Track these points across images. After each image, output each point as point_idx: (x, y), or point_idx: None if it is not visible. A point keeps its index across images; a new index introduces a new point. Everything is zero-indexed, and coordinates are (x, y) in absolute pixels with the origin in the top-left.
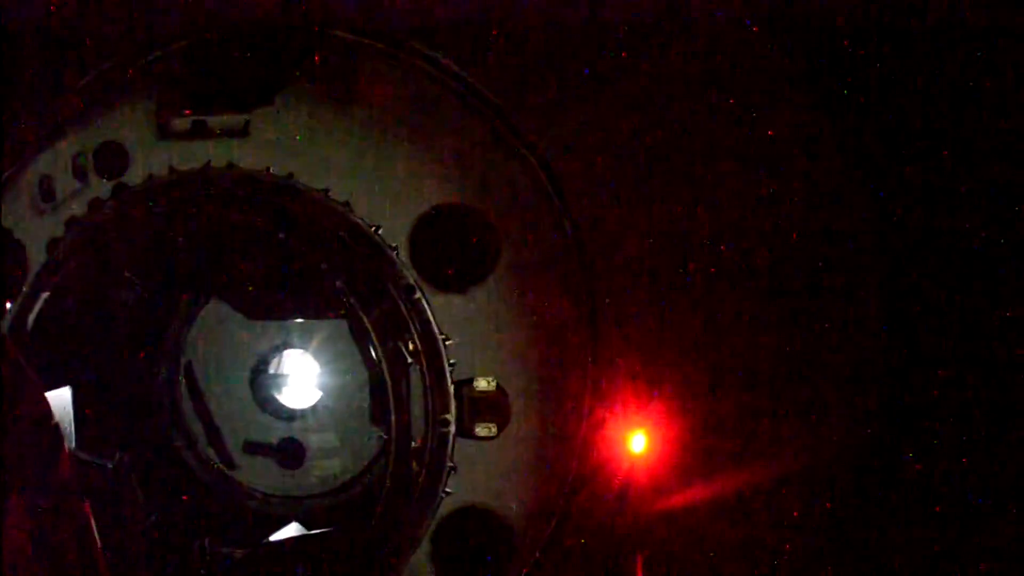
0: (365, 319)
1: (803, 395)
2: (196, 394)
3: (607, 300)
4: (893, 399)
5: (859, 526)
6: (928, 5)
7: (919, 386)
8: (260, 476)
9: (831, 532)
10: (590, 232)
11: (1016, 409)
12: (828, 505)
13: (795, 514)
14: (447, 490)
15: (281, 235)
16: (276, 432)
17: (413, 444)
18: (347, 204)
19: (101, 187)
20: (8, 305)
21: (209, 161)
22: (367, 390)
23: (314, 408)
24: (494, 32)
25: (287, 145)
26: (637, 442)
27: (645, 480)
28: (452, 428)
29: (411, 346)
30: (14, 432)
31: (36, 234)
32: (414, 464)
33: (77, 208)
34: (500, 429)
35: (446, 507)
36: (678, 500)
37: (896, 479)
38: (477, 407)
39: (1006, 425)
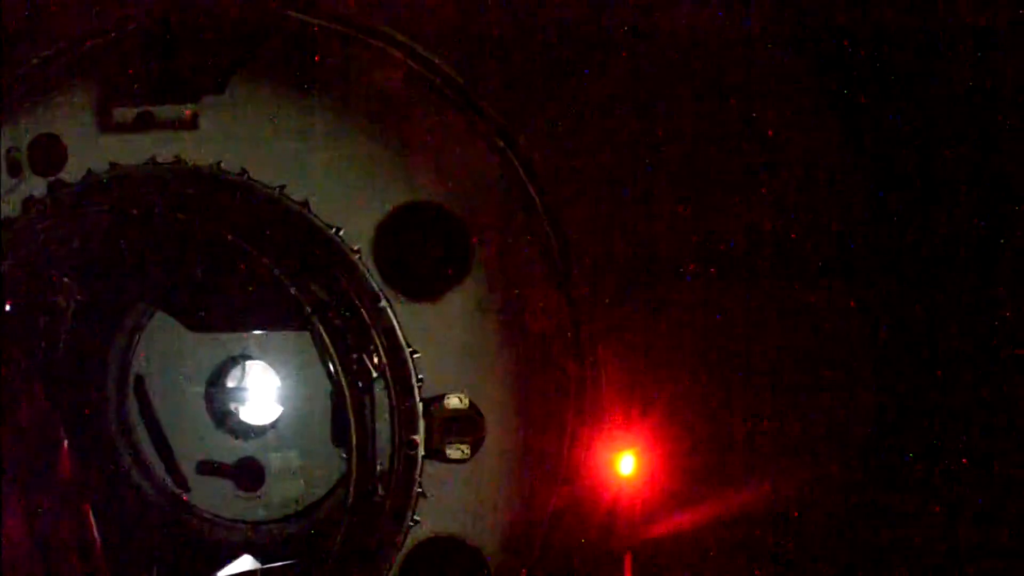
0: (323, 330)
1: (803, 403)
2: (146, 410)
3: (592, 308)
4: (893, 400)
5: (859, 533)
6: (928, 5)
7: (919, 386)
8: (215, 499)
9: (832, 551)
10: (574, 234)
11: (1016, 409)
12: (827, 526)
13: (796, 543)
14: (416, 518)
15: (230, 237)
16: (233, 451)
17: (379, 467)
18: (305, 203)
19: (36, 184)
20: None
21: (154, 156)
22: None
23: (274, 425)
24: (469, 17)
25: (240, 138)
26: (626, 464)
27: (635, 505)
28: (421, 450)
29: (375, 360)
30: (14, 432)
31: None
32: (379, 489)
33: (10, 207)
34: (474, 451)
35: (415, 537)
36: (670, 527)
37: (896, 479)
38: (448, 426)
39: (1006, 425)
